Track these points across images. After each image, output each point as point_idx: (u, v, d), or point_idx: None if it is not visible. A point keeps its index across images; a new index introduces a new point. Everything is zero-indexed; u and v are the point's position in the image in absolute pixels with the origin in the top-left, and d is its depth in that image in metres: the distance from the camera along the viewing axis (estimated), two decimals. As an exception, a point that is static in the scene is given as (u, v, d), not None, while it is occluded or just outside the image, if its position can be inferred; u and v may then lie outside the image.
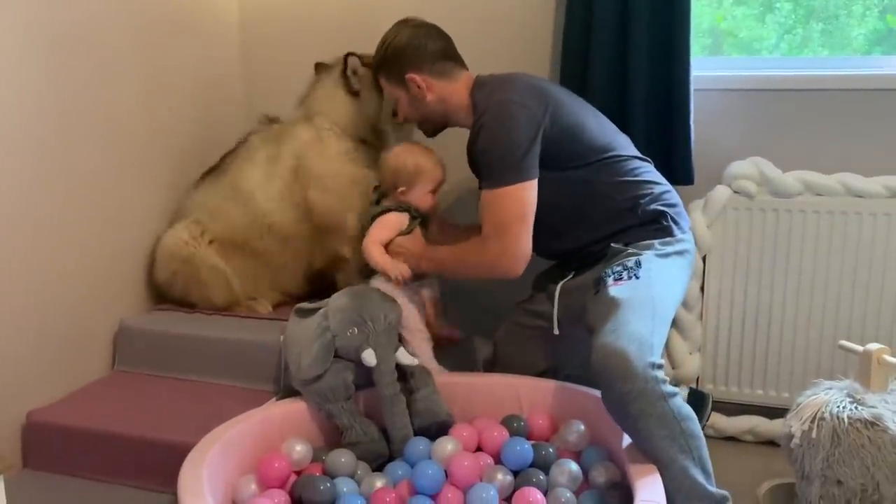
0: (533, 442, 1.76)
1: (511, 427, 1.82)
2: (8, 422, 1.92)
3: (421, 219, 2.06)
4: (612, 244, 1.90)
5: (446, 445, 1.70)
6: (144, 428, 1.89)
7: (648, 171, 1.99)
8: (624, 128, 2.14)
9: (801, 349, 2.25)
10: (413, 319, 2.01)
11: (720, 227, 2.25)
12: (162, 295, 2.34)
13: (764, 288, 2.25)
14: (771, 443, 2.26)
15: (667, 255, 1.87)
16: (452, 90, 2.00)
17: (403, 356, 1.83)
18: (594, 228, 1.94)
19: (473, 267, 1.94)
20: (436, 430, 1.80)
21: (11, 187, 1.90)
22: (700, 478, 1.60)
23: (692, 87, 2.17)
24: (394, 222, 2.03)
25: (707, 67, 2.35)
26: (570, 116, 1.91)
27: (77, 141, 2.07)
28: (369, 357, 1.75)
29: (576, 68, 2.25)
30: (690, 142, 2.20)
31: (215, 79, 2.61)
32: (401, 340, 1.89)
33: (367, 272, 2.08)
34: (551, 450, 1.74)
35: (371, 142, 2.29)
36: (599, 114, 2.03)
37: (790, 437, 1.75)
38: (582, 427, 1.76)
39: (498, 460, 1.74)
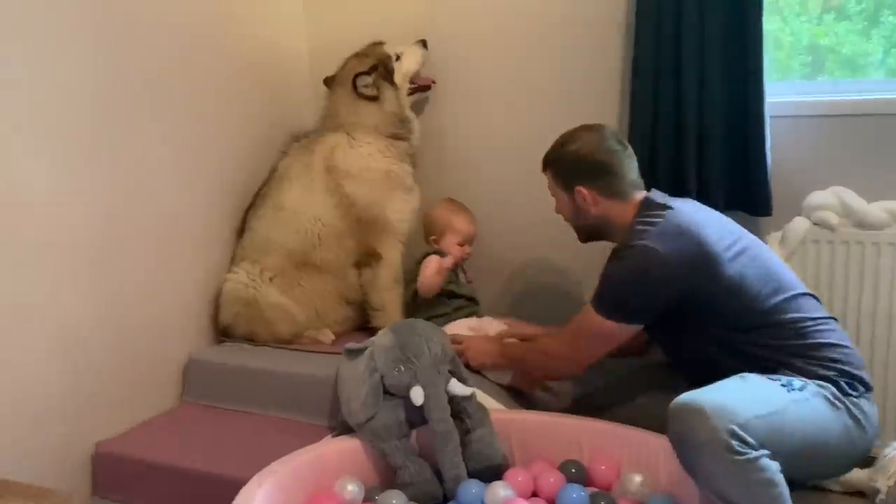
0: (591, 490, 1.68)
1: (568, 473, 1.76)
2: (79, 451, 2.00)
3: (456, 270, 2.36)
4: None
5: (499, 491, 1.65)
6: (205, 462, 1.92)
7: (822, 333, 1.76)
8: (699, 158, 2.06)
9: (892, 396, 2.08)
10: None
11: (799, 261, 2.12)
12: (229, 335, 2.40)
13: (848, 328, 2.09)
14: (860, 494, 2.09)
15: (836, 404, 1.65)
16: (620, 211, 1.88)
17: (456, 387, 1.79)
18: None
19: (539, 362, 2.02)
20: (490, 473, 1.75)
21: (89, 228, 2.00)
22: None
23: (768, 113, 2.07)
24: (434, 261, 2.29)
25: (784, 93, 2.25)
26: (725, 279, 1.74)
27: (150, 185, 2.17)
28: (416, 396, 1.73)
29: (646, 95, 2.19)
30: (767, 171, 2.10)
31: (286, 121, 2.65)
32: (457, 368, 1.87)
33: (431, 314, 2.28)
34: (607, 500, 1.65)
35: (402, 135, 2.42)
36: (769, 265, 1.81)
37: (876, 491, 1.62)
38: (641, 477, 1.67)
39: (553, 508, 1.67)
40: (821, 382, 1.66)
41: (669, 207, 1.80)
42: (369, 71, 2.38)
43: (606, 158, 1.87)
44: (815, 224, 2.11)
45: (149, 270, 2.17)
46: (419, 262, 2.34)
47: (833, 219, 2.08)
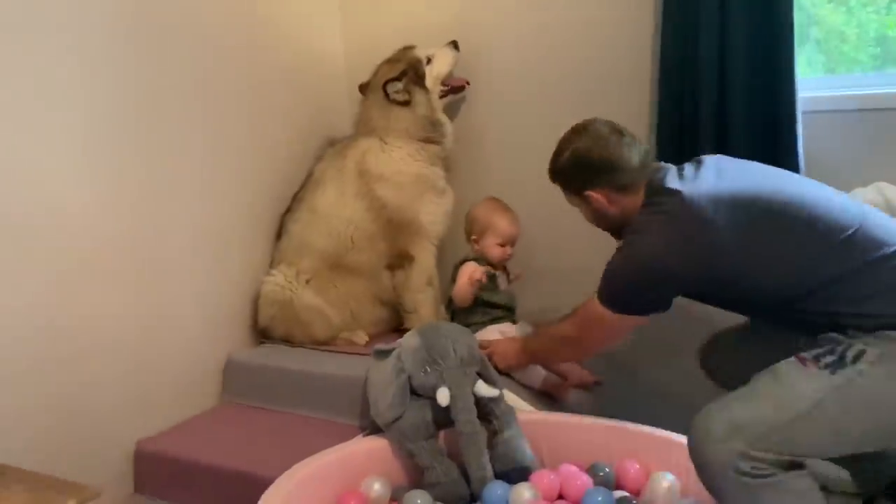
0: (618, 493, 1.66)
1: (596, 476, 1.74)
2: (121, 448, 2.07)
3: (494, 273, 2.28)
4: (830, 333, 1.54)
5: (524, 493, 1.65)
6: (241, 461, 1.97)
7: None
8: (726, 152, 2.01)
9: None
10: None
11: (841, 259, 2.04)
12: (268, 337, 2.45)
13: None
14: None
15: None
16: (634, 202, 1.75)
17: (482, 388, 1.80)
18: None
19: (553, 348, 1.97)
20: (517, 475, 1.75)
21: (132, 235, 2.08)
22: None
23: (800, 112, 2.02)
24: (469, 268, 2.23)
25: (824, 87, 2.18)
26: (731, 267, 1.60)
27: (190, 191, 2.24)
28: (442, 397, 1.74)
29: (672, 95, 2.17)
30: (800, 167, 2.04)
31: (324, 127, 2.69)
32: (486, 370, 1.87)
33: (466, 323, 2.23)
34: (635, 503, 1.63)
35: (434, 138, 2.43)
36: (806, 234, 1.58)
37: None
38: (669, 480, 1.65)
39: (579, 510, 1.66)
40: (887, 332, 1.46)
41: (673, 192, 1.65)
42: (399, 76, 2.40)
43: (604, 154, 1.74)
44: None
45: (190, 274, 2.24)
46: (457, 267, 2.31)
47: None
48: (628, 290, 1.70)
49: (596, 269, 2.42)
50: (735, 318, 1.88)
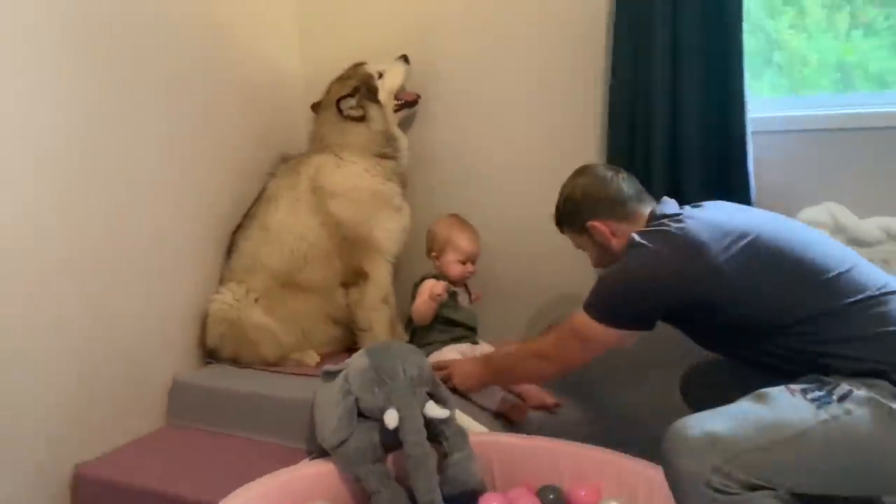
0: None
1: (546, 498, 1.71)
2: (58, 473, 1.99)
3: (455, 291, 2.25)
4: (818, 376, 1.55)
5: (471, 516, 1.61)
6: (184, 486, 1.90)
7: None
8: (677, 175, 2.02)
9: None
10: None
11: (791, 279, 2.05)
12: (215, 357, 2.38)
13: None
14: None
15: (893, 406, 1.46)
16: (632, 231, 1.82)
17: (432, 409, 1.75)
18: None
19: (526, 365, 1.94)
20: (465, 498, 1.71)
21: (75, 249, 2.00)
22: None
23: (750, 132, 2.03)
24: (429, 284, 2.20)
25: (775, 108, 2.20)
26: (721, 291, 1.64)
27: (139, 205, 2.18)
28: (390, 419, 1.69)
29: (623, 114, 2.18)
30: (750, 188, 2.06)
31: (279, 143, 2.64)
32: (437, 390, 1.83)
33: (425, 342, 2.22)
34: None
35: (389, 153, 2.42)
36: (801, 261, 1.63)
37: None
38: (618, 503, 1.62)
39: (527, 534, 1.62)
40: (871, 380, 1.49)
41: (671, 216, 1.76)
42: (352, 93, 2.39)
43: (602, 187, 1.89)
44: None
45: (135, 291, 2.17)
46: (417, 285, 2.28)
47: (826, 235, 2.02)
48: (619, 301, 1.72)
49: (554, 284, 2.47)
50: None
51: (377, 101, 2.41)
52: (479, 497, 1.72)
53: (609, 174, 1.91)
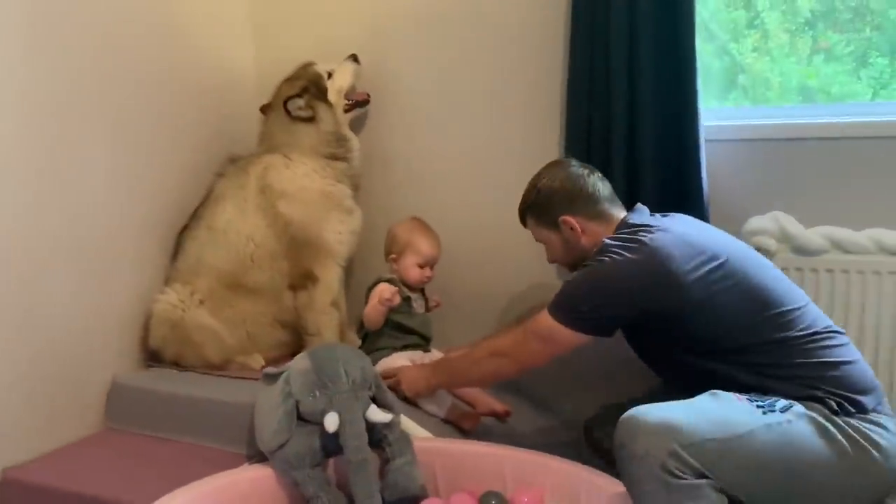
0: (509, 522, 1.61)
1: (488, 504, 1.67)
2: (-15, 477, 1.91)
3: (410, 296, 2.20)
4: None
5: (410, 522, 1.57)
6: (117, 490, 1.84)
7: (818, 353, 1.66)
8: (634, 181, 2.01)
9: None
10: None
11: (738, 287, 2.06)
12: (158, 359, 2.32)
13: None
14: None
15: (826, 426, 1.55)
16: (604, 233, 1.84)
17: (375, 414, 1.72)
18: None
19: (481, 366, 1.91)
20: (406, 504, 1.68)
21: (11, 243, 1.94)
22: None
23: (703, 137, 2.05)
24: (380, 288, 2.14)
25: (724, 117, 2.22)
26: (682, 303, 1.67)
27: (77, 196, 2.11)
28: (330, 422, 1.65)
29: (581, 118, 2.18)
30: (703, 195, 2.07)
31: (228, 143, 2.57)
32: (381, 395, 1.80)
33: (375, 347, 2.18)
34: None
35: (340, 154, 2.38)
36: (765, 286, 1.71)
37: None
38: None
39: (468, 540, 1.59)
40: (809, 403, 1.58)
41: (645, 226, 1.77)
42: (301, 93, 2.36)
43: (577, 182, 1.88)
44: (754, 249, 2.06)
45: (73, 289, 2.11)
46: (370, 288, 2.22)
47: (772, 244, 2.04)
48: (584, 303, 1.72)
49: (512, 290, 2.45)
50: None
51: (326, 102, 2.37)
52: (421, 503, 1.69)
53: (585, 171, 1.90)
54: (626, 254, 1.69)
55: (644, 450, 1.45)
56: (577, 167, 1.91)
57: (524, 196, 1.95)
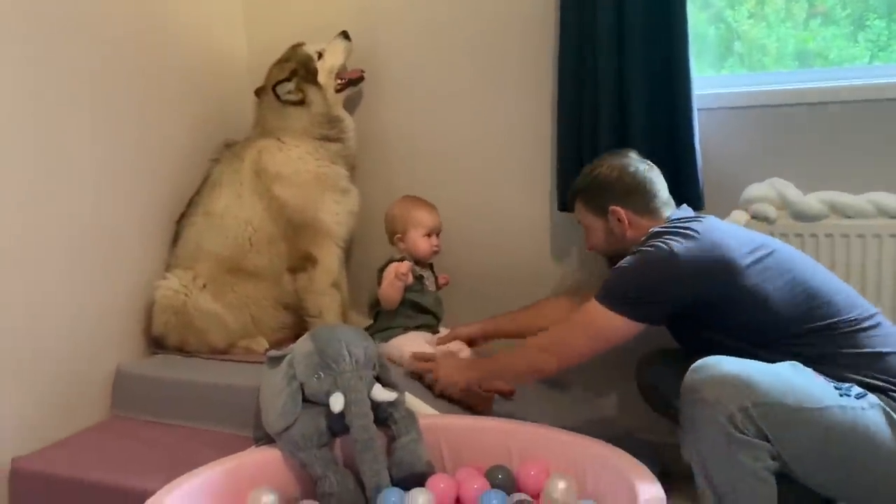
0: (518, 497, 1.63)
1: (494, 479, 1.69)
2: (-4, 467, 1.92)
3: (422, 274, 2.21)
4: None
5: (418, 498, 1.60)
6: (126, 476, 1.84)
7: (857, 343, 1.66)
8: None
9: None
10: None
11: (738, 255, 2.06)
12: (162, 346, 2.32)
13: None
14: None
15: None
16: (650, 227, 1.83)
17: (379, 392, 1.73)
18: None
19: (528, 361, 1.87)
20: (413, 481, 1.69)
21: (12, 235, 1.94)
22: None
23: (696, 108, 2.03)
24: (393, 267, 2.14)
25: (719, 85, 2.21)
26: (733, 291, 1.68)
27: (76, 186, 2.11)
28: (336, 403, 1.66)
29: (572, 88, 2.16)
30: (696, 162, 2.05)
31: (224, 129, 2.56)
32: (385, 373, 1.81)
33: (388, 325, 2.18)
34: (530, 505, 1.59)
35: (333, 136, 2.36)
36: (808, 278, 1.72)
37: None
38: (565, 483, 1.60)
39: (475, 514, 1.61)
40: (878, 394, 1.57)
41: (693, 218, 1.80)
42: (290, 76, 2.34)
43: (637, 176, 1.87)
44: (753, 217, 2.06)
45: (75, 279, 2.11)
46: (381, 270, 2.20)
47: (771, 211, 2.03)
48: (635, 289, 1.71)
49: (512, 269, 2.44)
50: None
51: (317, 84, 2.35)
52: (428, 479, 1.70)
53: (645, 166, 1.89)
54: (682, 240, 1.69)
55: (715, 397, 1.47)
56: (638, 161, 1.90)
57: (580, 177, 1.94)
